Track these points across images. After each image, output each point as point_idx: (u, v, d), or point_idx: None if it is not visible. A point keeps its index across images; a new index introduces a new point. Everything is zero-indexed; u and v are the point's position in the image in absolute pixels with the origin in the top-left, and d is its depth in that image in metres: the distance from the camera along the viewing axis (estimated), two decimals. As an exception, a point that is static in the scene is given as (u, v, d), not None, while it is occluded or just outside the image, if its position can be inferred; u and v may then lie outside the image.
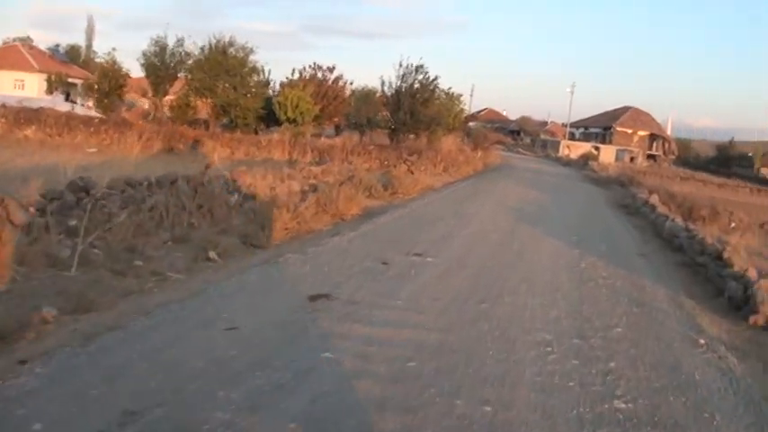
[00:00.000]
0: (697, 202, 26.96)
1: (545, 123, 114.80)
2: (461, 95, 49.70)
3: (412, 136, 32.13)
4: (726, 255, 11.47)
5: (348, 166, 22.02)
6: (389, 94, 30.64)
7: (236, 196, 12.72)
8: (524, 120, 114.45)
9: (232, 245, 9.77)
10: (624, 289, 9.84)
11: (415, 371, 5.49)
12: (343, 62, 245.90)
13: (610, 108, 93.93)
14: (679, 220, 16.98)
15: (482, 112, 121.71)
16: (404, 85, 30.26)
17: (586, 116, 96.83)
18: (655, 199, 21.72)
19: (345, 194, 14.94)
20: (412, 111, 29.62)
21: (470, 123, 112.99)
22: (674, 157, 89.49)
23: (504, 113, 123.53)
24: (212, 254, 9.14)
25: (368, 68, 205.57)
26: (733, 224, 24.73)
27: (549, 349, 6.49)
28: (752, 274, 9.88)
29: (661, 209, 19.61)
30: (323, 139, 33.60)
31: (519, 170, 41.01)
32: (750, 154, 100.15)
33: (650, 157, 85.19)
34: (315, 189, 15.28)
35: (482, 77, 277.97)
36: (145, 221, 9.76)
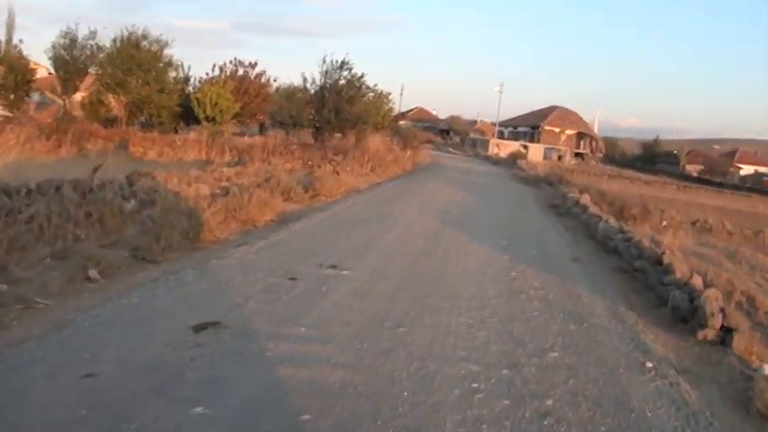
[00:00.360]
0: (628, 201, 26.72)
1: (474, 122, 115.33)
2: (390, 94, 48.88)
3: (338, 135, 30.90)
4: (666, 260, 10.74)
5: (266, 167, 20.79)
6: (313, 91, 29.29)
7: (132, 203, 11.40)
8: (454, 119, 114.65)
9: (120, 260, 8.51)
10: (558, 301, 8.96)
11: (307, 429, 4.39)
12: (276, 60, 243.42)
13: (538, 107, 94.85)
14: (612, 221, 16.37)
15: (412, 111, 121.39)
16: (328, 81, 28.96)
17: (515, 115, 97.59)
18: (586, 199, 21.17)
19: (259, 198, 13.74)
20: (337, 108, 28.41)
21: (401, 122, 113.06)
22: (601, 155, 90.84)
23: (435, 113, 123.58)
24: (92, 272, 7.86)
25: (301, 67, 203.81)
26: (664, 222, 24.48)
27: (476, 386, 5.49)
28: (697, 282, 9.15)
29: (593, 209, 19.02)
30: (244, 138, 32.16)
31: (448, 169, 40.34)
32: (675, 152, 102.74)
33: (578, 155, 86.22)
34: (226, 193, 14.06)
35: (413, 77, 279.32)
36: (20, 235, 8.41)
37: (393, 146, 44.74)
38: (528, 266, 11.23)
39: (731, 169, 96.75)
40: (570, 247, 14.34)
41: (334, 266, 9.35)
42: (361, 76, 29.98)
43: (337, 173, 26.10)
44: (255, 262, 9.27)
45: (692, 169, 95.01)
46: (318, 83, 29.29)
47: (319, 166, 25.69)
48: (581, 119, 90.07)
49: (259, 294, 7.51)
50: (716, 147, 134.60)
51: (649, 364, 6.67)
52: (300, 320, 6.71)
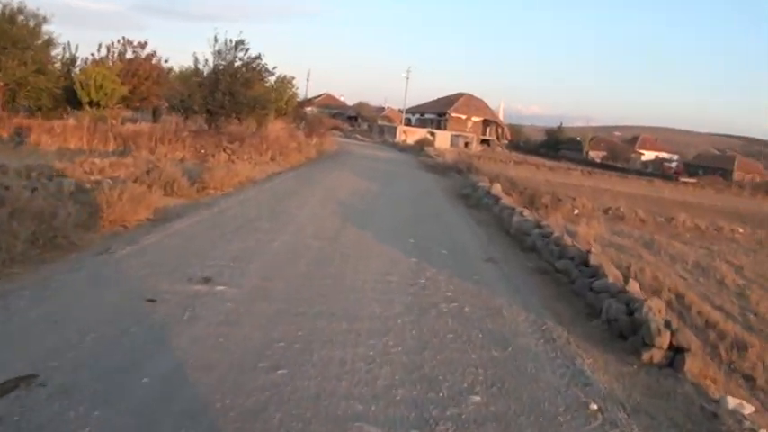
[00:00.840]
0: (539, 189, 25.88)
1: (382, 109, 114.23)
2: (294, 78, 46.99)
3: (237, 121, 28.79)
4: (593, 260, 9.52)
5: (150, 157, 18.74)
6: (206, 73, 27.04)
7: (-36, 203, 9.35)
8: (361, 105, 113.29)
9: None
10: (476, 316, 7.57)
11: None
12: (181, 46, 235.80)
13: (445, 95, 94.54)
14: (527, 214, 15.21)
15: (320, 98, 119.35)
16: (222, 63, 26.76)
17: (423, 102, 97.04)
18: (497, 188, 20.07)
19: (133, 194, 11.80)
20: (231, 92, 26.23)
21: (307, 109, 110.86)
22: (506, 141, 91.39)
23: (342, 99, 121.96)
24: None
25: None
26: (576, 210, 23.74)
27: (375, 465, 3.98)
28: (634, 289, 7.95)
29: (505, 200, 17.89)
30: (136, 124, 29.67)
31: (355, 157, 38.87)
32: (578, 138, 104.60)
33: (484, 142, 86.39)
34: (96, 187, 12.07)
35: (320, 63, 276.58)
36: None
37: (298, 133, 42.98)
38: (439, 270, 9.84)
39: (633, 155, 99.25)
40: (484, 245, 13.05)
41: (207, 280, 7.68)
42: (258, 57, 27.86)
43: (233, 162, 24.32)
44: (112, 277, 7.51)
45: (596, 155, 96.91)
46: (211, 64, 27.02)
47: (213, 156, 23.86)
48: (487, 106, 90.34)
49: (102, 327, 5.76)
50: (617, 133, 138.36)
51: (594, 406, 5.34)
52: (144, 368, 5.01)
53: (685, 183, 75.20)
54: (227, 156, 24.50)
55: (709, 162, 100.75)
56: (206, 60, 27.11)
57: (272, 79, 45.56)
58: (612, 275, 8.72)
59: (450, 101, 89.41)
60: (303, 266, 9.14)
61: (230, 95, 26.53)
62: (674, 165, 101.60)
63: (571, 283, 9.52)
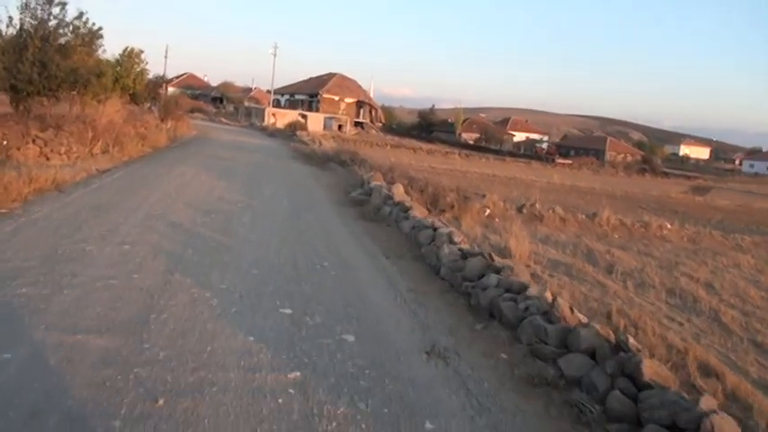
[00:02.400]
0: (439, 185, 20.79)
1: (250, 90, 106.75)
2: (143, 52, 39.77)
3: (54, 99, 21.87)
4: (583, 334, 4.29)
5: None
6: (8, 35, 19.86)
7: None
8: (226, 86, 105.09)
9: None
10: None
11: None
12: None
13: (316, 74, 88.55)
14: (460, 238, 9.96)
15: (181, 77, 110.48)
16: (32, 21, 19.69)
17: (293, 82, 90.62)
18: (399, 192, 14.73)
19: None
20: (42, 61, 19.34)
21: (169, 89, 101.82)
22: (381, 124, 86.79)
23: (206, 79, 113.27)
24: None
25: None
26: (488, 210, 18.91)
27: None
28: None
29: (417, 211, 12.56)
30: None
31: (214, 145, 32.59)
32: (450, 120, 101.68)
33: (358, 124, 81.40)
34: None
35: (184, 41, 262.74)
36: None
37: (148, 116, 36.17)
38: (342, 394, 4.42)
39: (505, 137, 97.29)
40: (411, 309, 7.63)
41: None
42: (80, 16, 21.01)
43: (47, 158, 18.21)
44: None
45: (468, 137, 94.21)
46: (17, 23, 19.82)
47: (18, 148, 17.59)
48: (360, 87, 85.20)
49: None
50: (482, 115, 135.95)
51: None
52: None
53: (562, 164, 73.31)
54: (38, 149, 18.20)
55: (581, 143, 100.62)
56: (10, 18, 19.94)
57: (117, 53, 38.76)
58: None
59: (321, 81, 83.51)
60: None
61: (41, 66, 19.59)
62: (544, 146, 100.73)
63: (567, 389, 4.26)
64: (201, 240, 9.78)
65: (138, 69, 39.64)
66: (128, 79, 38.20)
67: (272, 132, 54.94)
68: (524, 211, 20.48)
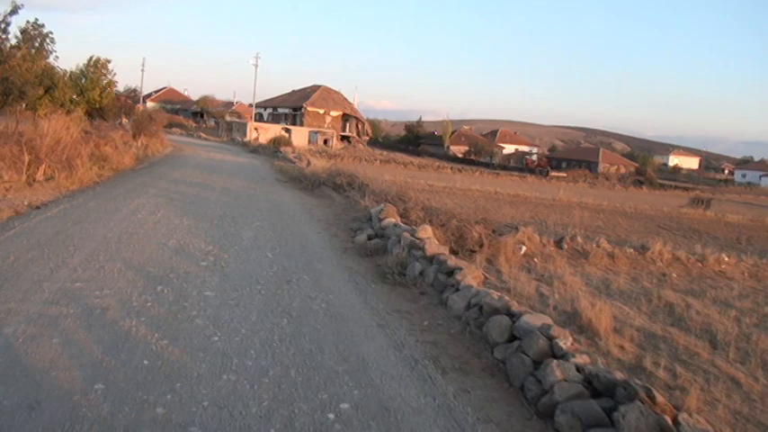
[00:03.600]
0: (459, 215, 16.66)
1: (231, 104, 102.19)
2: (110, 62, 35.35)
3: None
4: None
5: None
6: None
7: None
8: (207, 100, 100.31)
9: None
10: None
11: None
12: None
13: (299, 87, 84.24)
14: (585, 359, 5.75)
15: (160, 92, 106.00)
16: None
17: (275, 95, 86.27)
18: (429, 238, 10.45)
19: None
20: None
21: (149, 104, 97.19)
22: (368, 137, 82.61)
23: (186, 93, 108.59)
24: None
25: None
26: (523, 248, 14.89)
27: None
28: None
29: (471, 279, 8.30)
30: None
31: (187, 166, 28.23)
32: (437, 133, 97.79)
33: (344, 138, 77.22)
34: None
35: (164, 54, 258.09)
36: None
37: (115, 133, 31.88)
38: None
39: (495, 149, 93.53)
40: None
41: None
42: (14, 11, 16.73)
43: None
44: None
45: (457, 150, 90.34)
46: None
47: (-72, 176, 13.46)
48: (345, 99, 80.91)
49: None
50: (465, 127, 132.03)
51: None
52: None
53: (557, 177, 69.55)
54: (-46, 176, 14.11)
55: (570, 154, 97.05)
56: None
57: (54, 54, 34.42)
58: None
59: (305, 94, 79.12)
60: None
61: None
62: (534, 157, 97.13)
63: None
64: (128, 355, 5.55)
65: (106, 81, 35.28)
66: (93, 92, 33.83)
67: (255, 148, 50.57)
68: (564, 245, 16.42)
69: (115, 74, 35.98)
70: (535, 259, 14.44)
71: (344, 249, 11.46)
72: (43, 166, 17.56)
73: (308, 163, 27.24)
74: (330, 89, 79.98)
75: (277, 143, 51.56)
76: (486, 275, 10.33)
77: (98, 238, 10.42)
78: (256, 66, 72.94)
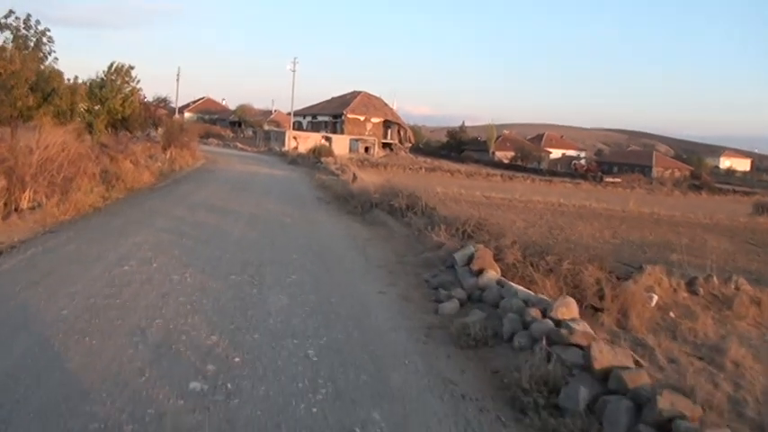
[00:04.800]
0: (576, 260, 12.23)
1: (270, 113, 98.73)
2: (133, 68, 31.64)
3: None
4: None
5: None
6: None
7: None
8: (244, 109, 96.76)
9: None
10: None
11: None
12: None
13: (338, 93, 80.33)
14: None
15: (199, 102, 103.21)
16: None
17: (315, 103, 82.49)
18: (572, 313, 6.22)
19: None
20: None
21: (186, 114, 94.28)
22: (410, 144, 78.35)
23: (224, 103, 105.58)
24: None
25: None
26: (654, 297, 10.55)
27: None
28: None
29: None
30: None
31: (216, 182, 24.37)
32: (480, 138, 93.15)
33: (386, 145, 73.15)
34: None
35: (200, 63, 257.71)
36: None
37: (136, 146, 28.30)
38: None
39: (542, 154, 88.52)
40: None
41: None
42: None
43: None
44: None
45: (503, 156, 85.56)
46: None
47: None
48: (386, 105, 76.71)
49: None
50: (505, 131, 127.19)
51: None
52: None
53: (613, 183, 64.48)
54: None
55: (619, 158, 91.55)
56: None
57: (102, 70, 30.95)
58: None
59: (345, 100, 75.16)
60: None
61: None
62: (582, 162, 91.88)
63: None
64: None
65: (129, 89, 31.57)
66: (114, 101, 30.18)
67: (294, 159, 46.65)
68: (700, 289, 11.97)
69: (139, 80, 32.25)
70: (671, 313, 10.31)
71: (428, 330, 7.16)
72: (28, 191, 13.77)
73: (354, 177, 23.02)
74: (370, 95, 75.95)
75: (317, 153, 47.60)
76: (640, 361, 6.09)
77: (45, 321, 6.40)
78: (294, 70, 69.17)
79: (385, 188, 16.75)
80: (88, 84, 30.83)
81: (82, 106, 31.28)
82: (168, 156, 30.64)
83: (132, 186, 19.63)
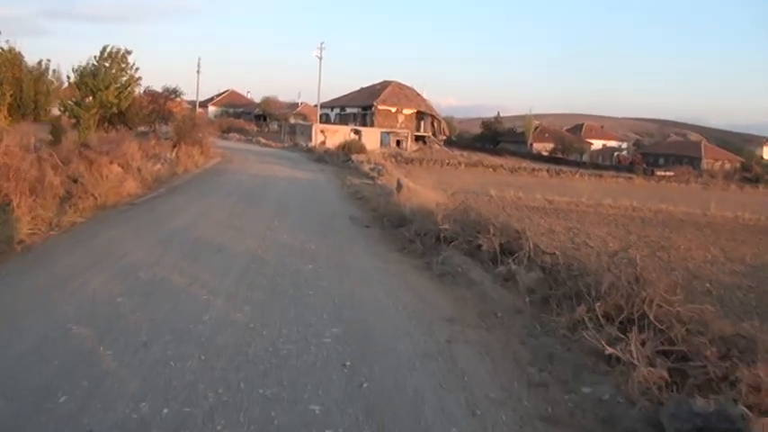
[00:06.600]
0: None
1: (296, 105, 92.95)
2: (131, 53, 26.16)
3: None
4: None
5: None
6: None
7: None
8: (268, 102, 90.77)
9: None
10: None
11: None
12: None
13: (368, 84, 74.34)
14: None
15: (223, 95, 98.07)
16: None
17: (343, 94, 76.64)
18: None
19: None
20: None
21: (210, 108, 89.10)
22: (444, 137, 72.24)
23: (249, 96, 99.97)
24: None
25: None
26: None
27: None
28: None
29: None
30: None
31: (221, 191, 18.79)
32: (517, 129, 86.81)
33: (419, 138, 67.23)
34: None
35: (225, 56, 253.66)
36: None
37: (128, 146, 22.90)
38: None
39: (584, 145, 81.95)
40: None
41: None
42: None
43: None
44: None
45: (541, 147, 79.17)
46: None
47: None
48: (419, 95, 70.50)
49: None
50: (536, 122, 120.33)
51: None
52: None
53: (666, 177, 58.01)
54: None
55: (665, 149, 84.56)
56: None
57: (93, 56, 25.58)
58: None
59: (375, 91, 69.12)
60: None
61: None
62: (624, 153, 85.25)
63: None
64: None
65: (126, 78, 26.12)
66: (107, 93, 24.74)
67: (321, 156, 40.98)
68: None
69: (138, 68, 26.73)
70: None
71: None
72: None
73: (399, 185, 16.67)
74: (402, 85, 69.87)
75: (347, 149, 41.86)
76: None
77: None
78: (320, 57, 63.02)
79: (457, 214, 10.80)
80: (78, 72, 25.54)
81: (70, 100, 26.04)
82: (173, 156, 25.23)
83: (105, 202, 14.16)
